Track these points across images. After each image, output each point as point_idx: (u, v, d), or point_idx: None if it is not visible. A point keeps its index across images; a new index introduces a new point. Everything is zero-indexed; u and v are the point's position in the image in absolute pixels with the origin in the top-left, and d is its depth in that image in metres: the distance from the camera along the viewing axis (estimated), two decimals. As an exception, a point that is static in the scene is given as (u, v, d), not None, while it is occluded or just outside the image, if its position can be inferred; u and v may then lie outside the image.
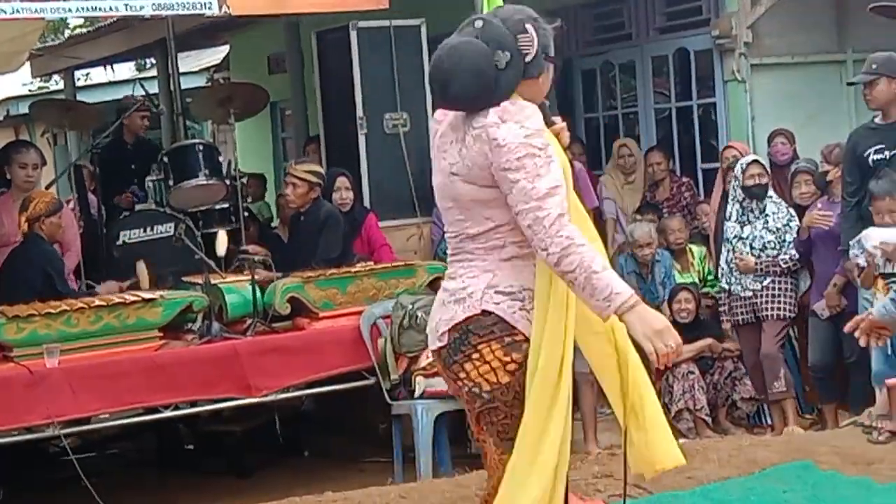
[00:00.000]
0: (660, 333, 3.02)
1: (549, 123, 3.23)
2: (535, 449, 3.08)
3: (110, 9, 5.65)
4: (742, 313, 7.04)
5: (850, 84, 6.42)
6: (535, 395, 3.10)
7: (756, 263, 6.90)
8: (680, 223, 7.93)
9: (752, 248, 6.94)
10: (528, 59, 3.11)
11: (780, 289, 6.91)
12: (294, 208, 6.87)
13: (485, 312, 3.13)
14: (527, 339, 3.14)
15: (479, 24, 3.12)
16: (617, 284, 3.06)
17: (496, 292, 3.16)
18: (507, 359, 3.14)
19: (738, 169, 7.03)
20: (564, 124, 3.30)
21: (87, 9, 5.65)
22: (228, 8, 5.72)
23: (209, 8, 5.70)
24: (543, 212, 3.01)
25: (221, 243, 6.18)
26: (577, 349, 6.41)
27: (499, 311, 3.15)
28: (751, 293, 6.96)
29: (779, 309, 6.89)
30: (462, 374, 3.18)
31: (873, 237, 5.97)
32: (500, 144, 3.04)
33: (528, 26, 3.12)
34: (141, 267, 6.41)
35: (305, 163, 7.11)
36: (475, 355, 3.15)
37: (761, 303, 6.93)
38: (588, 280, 3.05)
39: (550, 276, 3.09)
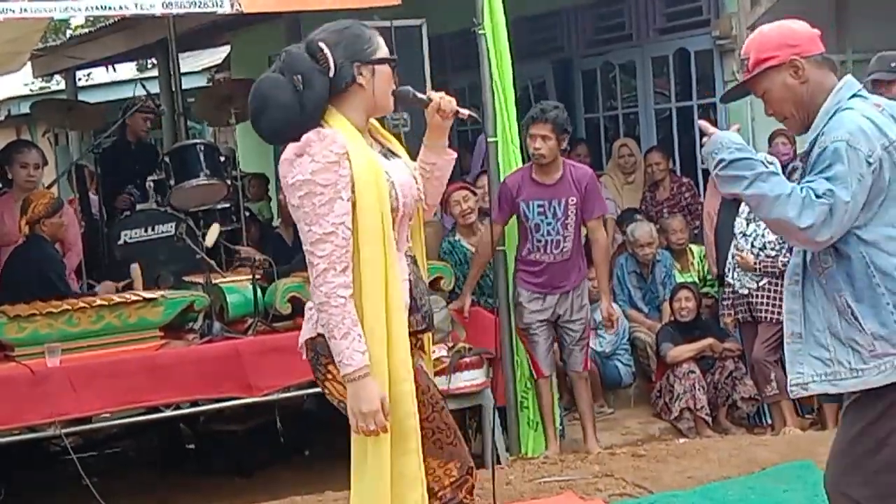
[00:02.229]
0: (364, 416, 3.03)
1: (417, 103, 3.27)
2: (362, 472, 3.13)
3: (120, 7, 5.62)
4: (741, 311, 7.05)
5: (867, 80, 6.38)
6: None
7: (755, 263, 6.90)
8: (681, 223, 7.95)
9: (752, 246, 6.95)
10: (331, 73, 3.14)
11: (776, 291, 6.88)
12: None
13: (320, 335, 3.16)
14: None
15: (282, 56, 3.21)
16: (353, 356, 3.02)
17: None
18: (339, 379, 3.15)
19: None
20: (440, 94, 3.30)
21: (97, 7, 5.62)
22: (240, 5, 5.68)
23: (220, 6, 5.66)
24: (314, 259, 3.05)
25: (212, 234, 6.19)
26: (563, 344, 6.38)
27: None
28: (747, 291, 6.97)
29: (773, 312, 6.84)
30: (328, 392, 3.26)
31: None
32: (288, 183, 3.10)
33: (321, 44, 3.18)
34: (135, 268, 6.43)
35: None
36: (329, 375, 3.20)
37: (757, 303, 6.92)
38: (331, 341, 3.06)
39: (382, 278, 3.09)
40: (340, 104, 3.16)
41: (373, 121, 3.32)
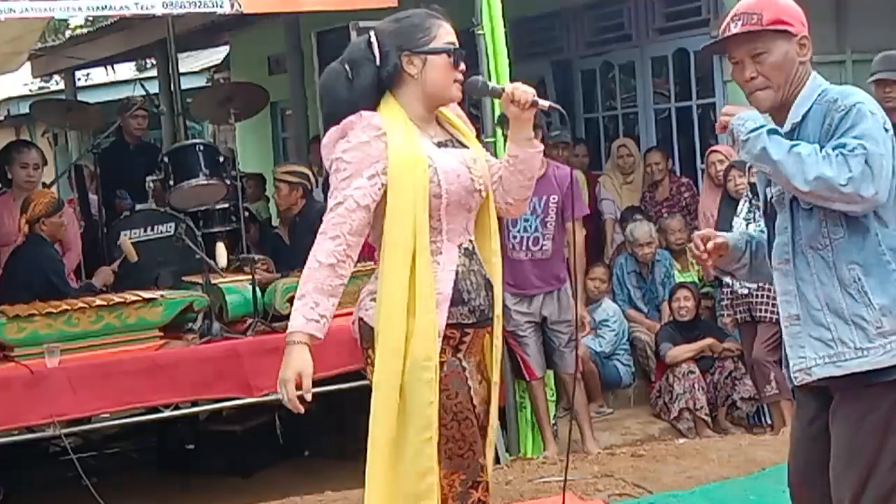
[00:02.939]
0: (282, 381, 3.18)
1: (490, 94, 3.28)
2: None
3: (121, 7, 5.61)
4: (741, 311, 7.04)
5: (872, 80, 6.37)
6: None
7: None
8: (680, 223, 7.95)
9: None
10: (378, 63, 3.20)
11: (773, 292, 6.88)
12: (284, 210, 7.09)
13: (360, 320, 3.24)
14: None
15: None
16: (295, 317, 3.12)
17: (371, 298, 3.22)
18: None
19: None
20: (514, 84, 3.25)
21: (98, 7, 5.61)
22: (240, 5, 5.68)
23: (220, 5, 5.66)
24: (322, 224, 3.13)
25: (221, 256, 6.19)
26: (553, 347, 6.37)
27: (366, 318, 3.22)
28: (747, 291, 6.96)
29: (773, 311, 6.85)
30: (370, 377, 3.28)
31: None
32: (326, 164, 3.25)
33: (371, 33, 3.24)
34: (124, 241, 6.43)
35: (286, 164, 7.28)
36: (368, 359, 3.26)
37: (756, 303, 6.91)
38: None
39: (408, 270, 3.11)
40: (397, 92, 3.21)
41: (445, 110, 3.31)
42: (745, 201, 7.04)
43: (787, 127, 3.08)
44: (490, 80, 6.13)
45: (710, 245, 3.22)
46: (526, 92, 3.21)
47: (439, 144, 3.23)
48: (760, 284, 6.91)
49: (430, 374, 3.09)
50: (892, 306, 2.97)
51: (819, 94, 3.07)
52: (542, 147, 3.31)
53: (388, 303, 3.09)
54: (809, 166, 2.90)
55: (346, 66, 3.22)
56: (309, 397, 3.15)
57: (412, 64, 3.19)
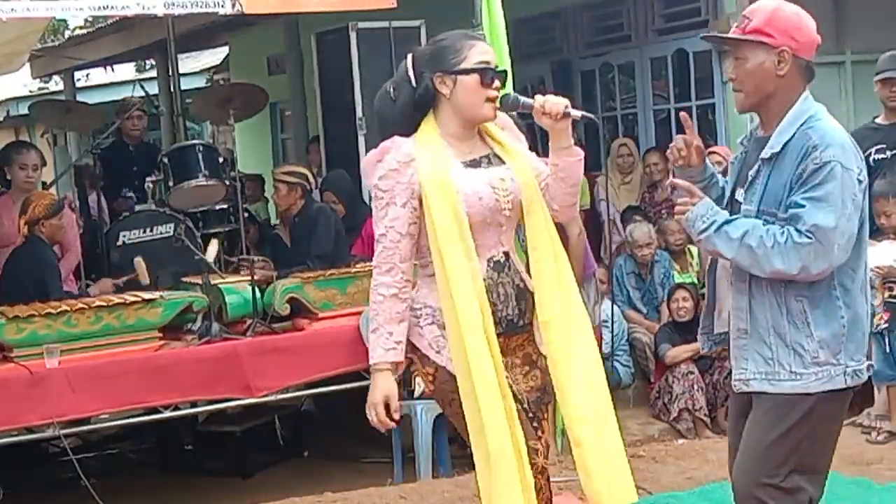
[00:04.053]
0: (371, 405, 3.30)
1: (524, 109, 3.34)
2: (485, 457, 3.22)
3: (122, 7, 5.62)
4: None
5: (879, 79, 6.37)
6: (466, 412, 3.25)
7: None
8: (679, 224, 7.94)
9: None
10: (414, 84, 3.34)
11: None
12: (284, 210, 7.10)
13: (415, 347, 3.38)
14: (424, 354, 3.34)
15: None
16: (375, 349, 3.31)
17: (414, 308, 3.36)
18: (425, 370, 3.37)
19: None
20: (545, 98, 3.33)
21: (99, 7, 5.62)
22: (241, 6, 5.69)
23: (222, 6, 5.67)
24: (374, 257, 3.34)
25: (212, 252, 6.20)
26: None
27: (426, 342, 3.35)
28: None
29: None
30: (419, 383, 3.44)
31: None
32: (368, 183, 3.41)
33: (409, 55, 3.38)
34: (139, 262, 6.43)
35: (285, 165, 7.28)
36: (414, 367, 3.42)
37: None
38: (369, 333, 3.36)
39: (450, 295, 3.24)
40: (437, 113, 3.34)
41: (489, 125, 3.40)
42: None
43: (766, 153, 3.17)
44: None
45: (694, 144, 3.34)
46: (557, 104, 3.30)
47: (472, 163, 3.33)
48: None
49: (503, 371, 3.24)
50: (831, 340, 3.13)
51: (803, 124, 3.13)
52: (581, 154, 3.37)
53: (465, 313, 3.20)
54: (762, 259, 3.07)
55: (391, 88, 3.38)
56: (397, 416, 3.32)
57: (445, 84, 3.30)
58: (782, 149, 3.13)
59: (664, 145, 8.85)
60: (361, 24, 7.52)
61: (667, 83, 9.25)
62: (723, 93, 8.37)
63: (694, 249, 7.99)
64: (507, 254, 3.36)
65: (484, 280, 3.28)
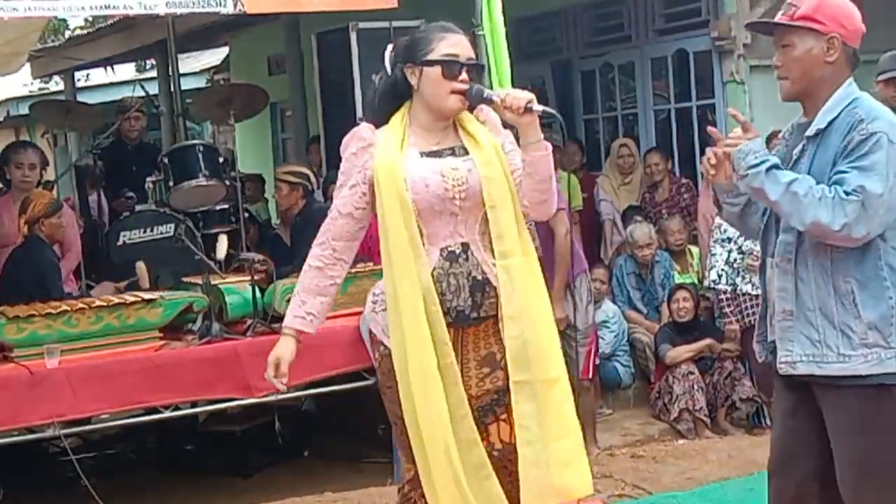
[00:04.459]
0: (269, 363, 3.41)
1: (487, 103, 3.35)
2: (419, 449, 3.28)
3: (124, 7, 5.62)
4: (753, 313, 7.01)
5: (882, 80, 6.38)
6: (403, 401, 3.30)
7: None
8: (679, 224, 7.95)
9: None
10: (389, 74, 3.44)
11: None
12: (285, 210, 7.10)
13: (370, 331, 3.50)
14: (379, 340, 3.41)
15: None
16: (287, 314, 3.47)
17: (373, 293, 3.49)
18: (375, 355, 3.46)
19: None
20: (506, 91, 3.33)
21: (101, 7, 5.62)
22: (243, 6, 5.69)
23: (224, 6, 5.67)
24: None
25: (222, 247, 6.20)
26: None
27: (365, 313, 3.53)
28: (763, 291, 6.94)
29: None
30: (382, 374, 3.47)
31: None
32: None
33: (388, 46, 3.50)
34: (140, 266, 6.42)
35: (287, 165, 7.28)
36: (380, 359, 3.46)
37: None
38: None
39: (392, 280, 3.30)
40: (412, 103, 3.41)
41: (467, 119, 3.41)
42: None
43: (811, 131, 3.16)
44: (491, 81, 6.14)
45: (719, 153, 3.30)
46: (517, 98, 3.27)
47: (432, 153, 3.35)
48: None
49: (451, 358, 3.27)
50: (880, 322, 3.09)
51: (849, 104, 3.13)
52: (548, 150, 3.34)
53: (404, 292, 3.26)
54: (806, 208, 3.03)
55: (376, 79, 3.50)
56: (285, 380, 3.40)
57: (413, 75, 3.36)
58: (828, 126, 3.12)
59: (664, 146, 8.90)
60: (362, 25, 7.52)
61: (667, 83, 9.25)
62: (723, 93, 8.37)
63: (694, 250, 7.99)
64: (465, 245, 3.34)
65: (434, 269, 3.29)
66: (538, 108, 3.28)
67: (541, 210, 3.45)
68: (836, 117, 3.12)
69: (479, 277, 3.33)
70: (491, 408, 3.36)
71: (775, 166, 3.11)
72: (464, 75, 3.32)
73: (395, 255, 3.28)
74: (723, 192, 3.38)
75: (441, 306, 3.28)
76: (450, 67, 3.30)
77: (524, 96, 3.28)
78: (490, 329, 3.37)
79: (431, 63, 3.31)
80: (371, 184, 3.33)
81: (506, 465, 3.34)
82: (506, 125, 3.44)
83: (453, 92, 3.31)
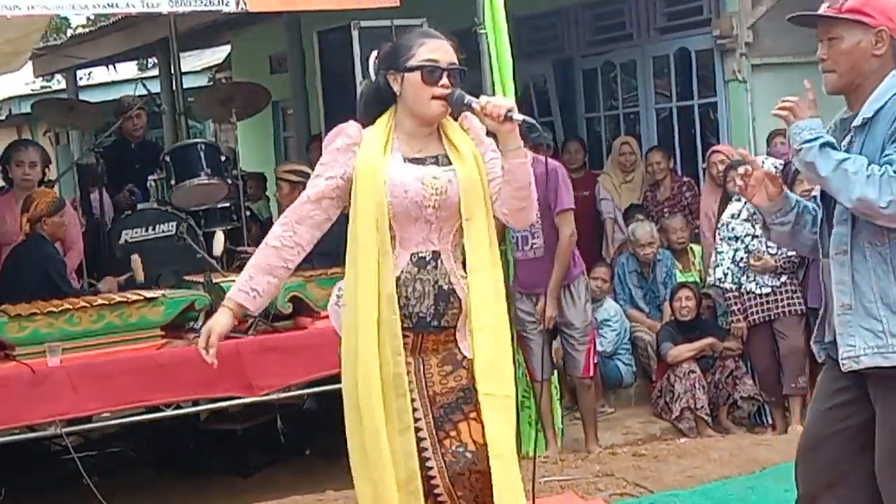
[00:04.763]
0: (202, 333, 3.43)
1: (468, 109, 3.33)
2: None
3: (127, 5, 5.62)
4: (757, 312, 7.01)
5: None
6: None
7: (775, 262, 6.90)
8: (681, 223, 7.94)
9: (767, 246, 6.93)
10: (373, 80, 3.45)
11: (794, 285, 6.94)
12: (286, 209, 7.08)
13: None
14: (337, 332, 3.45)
15: None
16: (234, 286, 3.43)
17: (338, 288, 3.55)
18: (338, 351, 3.45)
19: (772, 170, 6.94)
20: (487, 99, 3.32)
21: (104, 5, 5.62)
22: (245, 4, 5.69)
23: (226, 4, 5.67)
24: None
25: (218, 243, 6.20)
26: (563, 348, 6.36)
27: (330, 304, 3.60)
28: (769, 290, 6.95)
29: (796, 304, 6.91)
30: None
31: None
32: None
33: (373, 54, 3.49)
34: (135, 259, 6.42)
35: (288, 164, 7.27)
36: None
37: (780, 299, 6.93)
38: None
39: (354, 279, 3.31)
40: (396, 109, 3.40)
41: (450, 126, 3.41)
42: (746, 202, 7.01)
43: (858, 121, 3.16)
44: (493, 80, 6.13)
45: (756, 173, 3.35)
46: (497, 106, 3.27)
47: (415, 160, 3.35)
48: (783, 281, 6.92)
49: (402, 369, 3.27)
50: None
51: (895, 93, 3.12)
52: (527, 158, 3.35)
53: (364, 292, 3.27)
54: (854, 185, 3.02)
55: (362, 82, 3.46)
56: (213, 352, 3.39)
57: (396, 81, 3.36)
58: (874, 115, 3.12)
59: (666, 144, 8.89)
60: (364, 23, 7.51)
61: (669, 82, 9.24)
62: (725, 91, 8.36)
63: (696, 248, 7.98)
64: (436, 253, 3.34)
65: (402, 272, 3.30)
66: (518, 116, 3.27)
67: (519, 217, 3.46)
68: (883, 106, 3.11)
69: (446, 287, 3.33)
70: (458, 405, 3.33)
71: (829, 144, 3.12)
72: (444, 80, 3.31)
73: (361, 259, 3.27)
74: (769, 214, 3.38)
75: (402, 310, 3.28)
76: (430, 73, 3.29)
77: (504, 104, 3.27)
78: (450, 338, 3.37)
79: (412, 69, 3.31)
80: (348, 181, 3.34)
81: (480, 468, 3.29)
82: (488, 133, 3.43)
83: (434, 98, 3.31)
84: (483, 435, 3.29)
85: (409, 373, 3.31)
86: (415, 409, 3.30)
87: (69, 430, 5.56)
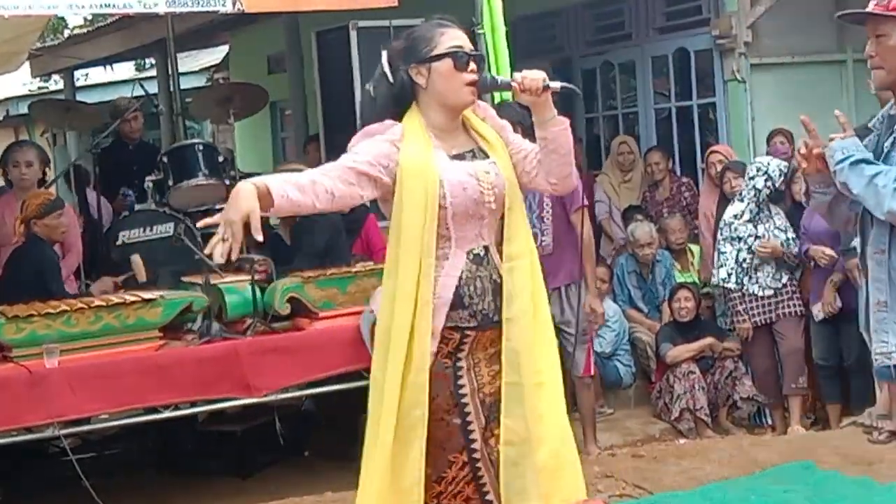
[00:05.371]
0: (229, 222, 2.96)
1: (502, 89, 3.40)
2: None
3: (124, 6, 5.61)
4: (759, 314, 7.01)
5: None
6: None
7: (783, 254, 6.92)
8: (680, 223, 7.94)
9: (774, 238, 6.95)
10: (391, 81, 3.32)
11: (794, 286, 6.95)
12: None
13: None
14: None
15: None
16: (263, 178, 3.11)
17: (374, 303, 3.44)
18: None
19: (774, 172, 6.94)
20: (522, 75, 3.30)
21: (101, 5, 5.61)
22: (242, 4, 5.68)
23: (223, 4, 5.66)
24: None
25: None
26: (562, 347, 6.36)
27: (366, 311, 3.52)
28: (772, 291, 6.95)
29: (797, 306, 6.92)
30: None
31: None
32: None
33: (383, 52, 3.35)
34: (136, 260, 6.39)
35: (287, 164, 7.25)
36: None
37: (781, 301, 6.93)
38: None
39: (393, 283, 3.22)
40: (420, 107, 3.31)
41: (473, 118, 3.38)
42: (750, 203, 7.01)
43: (894, 111, 3.22)
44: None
45: (815, 151, 3.34)
46: (535, 79, 3.26)
47: (456, 157, 3.32)
48: (784, 283, 6.91)
49: (425, 377, 3.22)
50: None
51: None
52: (567, 122, 3.34)
53: (401, 300, 3.20)
54: (884, 199, 3.08)
55: (371, 88, 3.36)
56: (260, 237, 2.98)
57: (420, 74, 3.28)
58: None
59: (665, 144, 8.88)
60: (362, 23, 7.51)
61: (668, 82, 9.23)
62: (724, 91, 8.35)
63: (695, 248, 7.98)
64: (486, 248, 3.33)
65: (462, 272, 3.26)
66: (555, 84, 3.28)
67: (567, 183, 3.44)
68: None
69: (498, 280, 3.33)
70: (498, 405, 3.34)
71: (862, 160, 3.14)
72: (473, 66, 3.29)
73: (402, 259, 3.22)
74: (814, 183, 3.41)
75: (467, 309, 3.26)
76: (460, 59, 3.26)
77: (539, 76, 3.27)
78: (500, 331, 3.35)
79: (440, 57, 3.25)
80: (391, 176, 3.22)
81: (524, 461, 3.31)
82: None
83: (466, 84, 3.27)
84: (526, 429, 3.29)
85: (461, 375, 3.29)
86: (467, 412, 3.28)
87: (67, 432, 5.54)
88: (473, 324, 3.28)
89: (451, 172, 3.25)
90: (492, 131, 3.40)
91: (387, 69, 3.32)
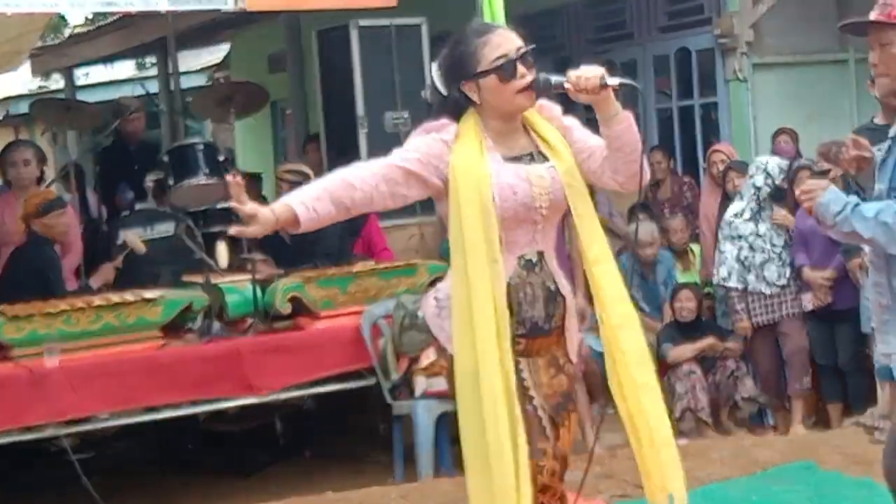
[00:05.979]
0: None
1: (552, 90, 3.26)
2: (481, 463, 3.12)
3: (126, 4, 5.61)
4: (762, 314, 6.99)
5: None
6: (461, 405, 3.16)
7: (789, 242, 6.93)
8: (682, 223, 7.92)
9: (772, 245, 6.92)
10: (443, 92, 3.27)
11: (796, 285, 6.93)
12: None
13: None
14: (443, 346, 3.24)
15: None
16: (293, 195, 3.18)
17: (434, 297, 3.29)
18: (441, 363, 3.29)
19: (774, 170, 6.94)
20: (577, 73, 3.27)
21: (104, 4, 5.61)
22: (244, 3, 5.68)
23: (225, 3, 5.66)
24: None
25: (222, 256, 6.17)
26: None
27: (428, 316, 3.30)
28: (778, 290, 6.94)
29: (799, 306, 6.91)
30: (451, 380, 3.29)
31: None
32: None
33: (434, 70, 3.29)
34: (130, 237, 6.39)
35: (288, 163, 7.25)
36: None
37: (785, 301, 6.92)
38: None
39: (466, 291, 3.12)
40: (478, 110, 3.24)
41: (535, 119, 3.33)
42: (749, 201, 7.00)
43: (893, 132, 3.23)
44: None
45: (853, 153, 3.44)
46: (590, 79, 3.21)
47: (514, 159, 3.23)
48: (785, 283, 6.90)
49: (512, 382, 3.12)
50: None
51: None
52: (630, 117, 3.26)
53: (479, 311, 3.09)
54: (892, 237, 3.10)
55: (427, 96, 3.38)
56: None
57: (473, 91, 3.22)
58: None
59: (666, 144, 8.87)
60: (362, 22, 7.51)
61: (669, 81, 9.22)
62: (725, 91, 8.34)
63: (696, 249, 7.96)
64: (541, 253, 3.25)
65: (511, 278, 3.17)
66: (613, 81, 3.19)
67: (635, 181, 3.30)
68: None
69: (552, 288, 3.26)
70: (563, 406, 3.30)
71: (858, 204, 3.17)
72: (521, 69, 3.23)
73: (471, 264, 3.11)
74: (867, 179, 3.52)
75: (516, 316, 3.18)
76: (505, 72, 3.20)
77: (595, 73, 3.20)
78: (555, 339, 3.30)
79: (486, 73, 3.19)
80: (440, 177, 3.17)
81: (554, 471, 3.32)
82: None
83: (519, 91, 3.22)
84: (568, 444, 3.32)
85: (521, 369, 3.22)
86: (535, 405, 3.23)
87: (67, 431, 5.54)
88: (522, 331, 3.20)
89: (501, 175, 3.17)
90: (555, 133, 3.33)
91: (440, 86, 3.27)
